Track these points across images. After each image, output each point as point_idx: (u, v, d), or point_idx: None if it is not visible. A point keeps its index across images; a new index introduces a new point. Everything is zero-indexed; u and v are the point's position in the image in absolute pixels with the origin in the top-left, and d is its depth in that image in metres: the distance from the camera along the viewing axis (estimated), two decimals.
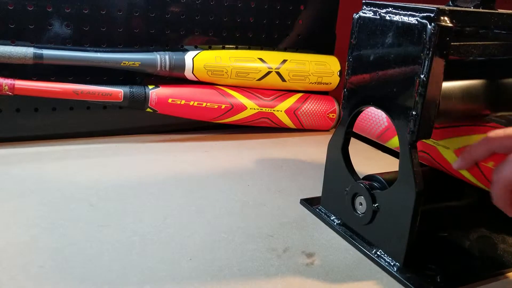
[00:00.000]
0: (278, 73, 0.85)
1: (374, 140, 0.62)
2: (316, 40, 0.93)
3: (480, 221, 0.59)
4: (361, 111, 0.54)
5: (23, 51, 0.69)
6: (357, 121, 0.55)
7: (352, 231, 0.54)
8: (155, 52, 0.78)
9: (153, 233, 0.52)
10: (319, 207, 0.59)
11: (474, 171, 0.49)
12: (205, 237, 0.52)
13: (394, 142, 0.58)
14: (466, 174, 0.51)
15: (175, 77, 0.80)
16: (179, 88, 0.80)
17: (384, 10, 0.48)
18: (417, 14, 0.44)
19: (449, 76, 0.46)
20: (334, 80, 0.90)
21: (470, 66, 0.54)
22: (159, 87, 0.78)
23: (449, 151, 0.52)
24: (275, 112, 0.86)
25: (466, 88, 0.50)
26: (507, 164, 0.42)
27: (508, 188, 0.42)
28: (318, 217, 0.58)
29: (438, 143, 0.53)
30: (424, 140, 0.52)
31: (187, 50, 0.81)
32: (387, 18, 0.47)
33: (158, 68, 0.77)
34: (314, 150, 0.82)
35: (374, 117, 0.60)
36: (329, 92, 0.93)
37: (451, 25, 0.43)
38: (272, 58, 0.85)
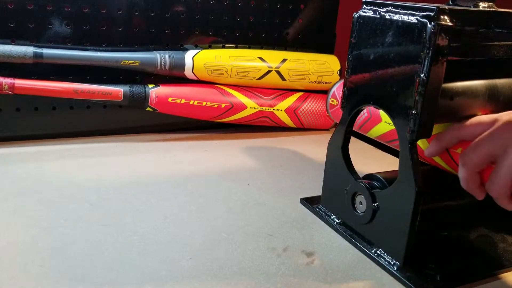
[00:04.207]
0: (278, 72, 0.85)
1: (355, 130, 0.63)
2: (316, 39, 0.93)
3: (480, 220, 0.59)
4: (361, 110, 0.54)
5: (23, 50, 0.69)
6: (338, 112, 0.56)
7: (352, 230, 0.54)
8: (155, 51, 0.78)
9: (153, 232, 0.52)
10: (319, 206, 0.59)
11: (445, 157, 0.51)
12: (205, 236, 0.52)
13: (374, 132, 0.60)
14: (437, 160, 0.52)
15: (175, 76, 0.80)
16: (179, 87, 0.80)
17: (384, 9, 0.48)
18: (417, 13, 0.44)
19: (449, 75, 0.46)
20: (334, 79, 0.90)
21: (470, 65, 0.54)
22: (159, 86, 0.78)
23: (422, 140, 0.53)
24: (275, 111, 0.86)
25: (466, 87, 0.50)
26: (473, 148, 0.44)
27: (475, 170, 0.45)
28: (318, 216, 0.58)
29: None
30: None
31: (187, 49, 0.81)
32: (387, 17, 0.47)
33: (158, 67, 0.77)
34: (314, 149, 0.82)
35: None
36: None
37: (451, 24, 0.43)
38: (272, 57, 0.85)
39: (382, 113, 0.58)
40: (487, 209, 0.59)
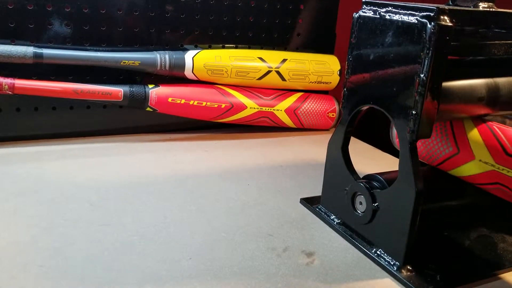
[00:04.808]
0: (278, 72, 0.85)
1: (429, 164, 0.55)
2: (316, 39, 0.93)
3: (480, 221, 0.59)
4: (361, 111, 0.54)
5: (23, 50, 0.69)
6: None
7: (352, 231, 0.54)
8: (155, 52, 0.78)
9: (153, 232, 0.52)
10: (319, 207, 0.59)
11: None
12: (205, 236, 0.52)
13: (462, 171, 0.52)
14: None
15: (175, 76, 0.80)
16: (179, 87, 0.80)
17: (384, 10, 0.48)
18: (417, 13, 0.44)
19: (449, 75, 0.46)
20: (334, 79, 0.90)
21: (470, 65, 0.54)
22: (159, 86, 0.78)
23: None
24: (275, 112, 0.86)
25: (466, 87, 0.50)
26: None
27: None
28: (318, 217, 0.58)
29: None
30: (501, 171, 0.49)
31: (187, 50, 0.81)
32: (387, 17, 0.47)
33: (158, 68, 0.77)
34: (314, 149, 0.82)
35: (436, 141, 0.54)
36: (329, 91, 0.93)
37: (451, 24, 0.43)
38: (272, 58, 0.85)
39: (475, 149, 0.50)
40: (487, 209, 0.59)
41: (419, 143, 0.53)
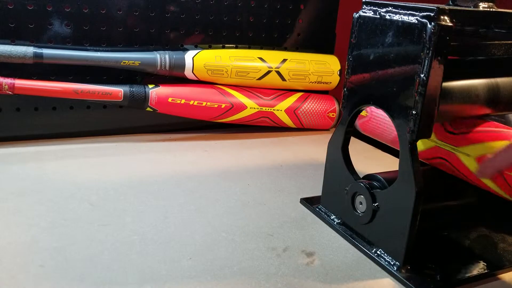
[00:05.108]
0: (278, 73, 0.85)
1: (388, 144, 0.59)
2: (316, 39, 0.93)
3: (480, 221, 0.59)
4: (361, 111, 0.54)
5: (23, 50, 0.69)
6: (368, 125, 0.54)
7: (352, 231, 0.54)
8: (155, 52, 0.78)
9: (153, 232, 0.52)
10: (319, 207, 0.59)
11: (499, 180, 0.47)
12: (205, 236, 0.52)
13: None
14: (489, 183, 0.49)
15: (175, 76, 0.80)
16: (179, 87, 0.80)
17: (384, 10, 0.48)
18: (417, 13, 0.44)
19: (449, 75, 0.46)
20: (334, 79, 0.90)
21: (470, 65, 0.54)
22: (159, 86, 0.78)
23: (470, 159, 0.50)
24: (275, 112, 0.86)
25: (466, 87, 0.50)
26: None
27: None
28: (318, 217, 0.58)
29: (457, 149, 0.51)
30: (442, 146, 0.51)
31: (187, 50, 0.81)
32: (387, 17, 0.47)
33: (158, 68, 0.77)
34: (314, 149, 0.82)
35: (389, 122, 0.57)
36: (329, 91, 0.93)
37: (451, 24, 0.43)
38: (272, 58, 0.85)
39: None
40: (487, 209, 0.59)
41: (372, 119, 0.58)
